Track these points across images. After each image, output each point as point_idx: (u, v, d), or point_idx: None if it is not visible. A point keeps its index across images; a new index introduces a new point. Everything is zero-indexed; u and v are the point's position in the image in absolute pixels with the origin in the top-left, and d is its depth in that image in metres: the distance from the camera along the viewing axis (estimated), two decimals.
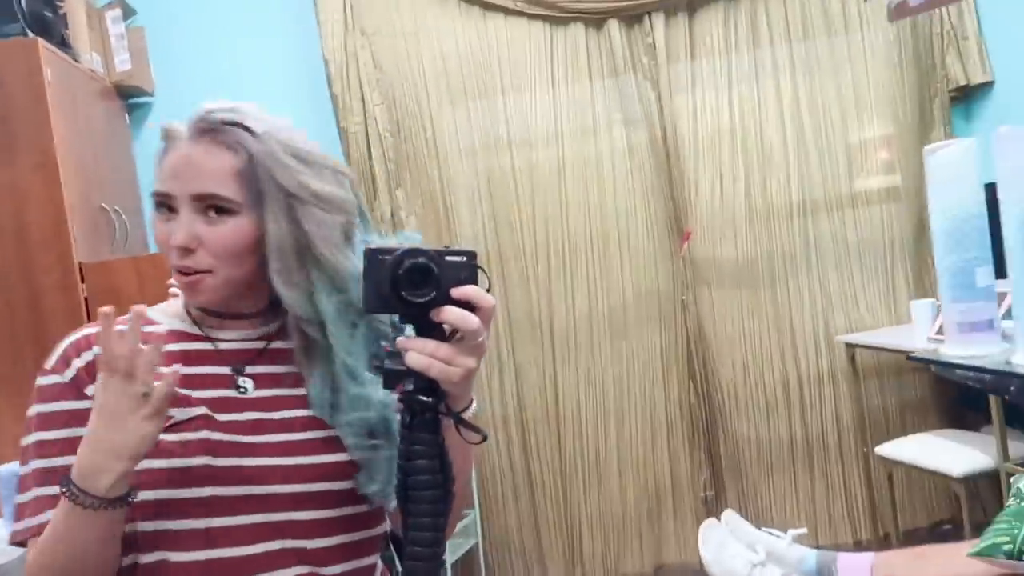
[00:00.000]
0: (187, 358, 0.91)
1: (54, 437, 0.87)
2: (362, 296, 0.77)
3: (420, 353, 0.75)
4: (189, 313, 0.95)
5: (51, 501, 0.83)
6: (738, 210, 2.99)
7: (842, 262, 3.02)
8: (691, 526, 3.00)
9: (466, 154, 3.01)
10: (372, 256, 0.76)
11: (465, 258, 0.77)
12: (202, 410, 0.87)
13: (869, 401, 2.98)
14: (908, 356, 1.09)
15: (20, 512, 0.87)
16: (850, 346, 2.91)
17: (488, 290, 0.77)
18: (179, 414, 0.86)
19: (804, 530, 2.00)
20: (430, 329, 0.76)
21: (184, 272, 0.87)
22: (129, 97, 2.86)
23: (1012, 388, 0.88)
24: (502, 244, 3.01)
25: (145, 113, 2.95)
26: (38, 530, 0.84)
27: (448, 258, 0.76)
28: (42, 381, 0.90)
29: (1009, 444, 2.22)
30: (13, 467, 1.98)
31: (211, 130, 0.86)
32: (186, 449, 0.85)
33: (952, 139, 2.97)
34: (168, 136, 0.88)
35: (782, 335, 3.01)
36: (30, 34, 2.23)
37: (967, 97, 3.05)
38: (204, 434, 0.86)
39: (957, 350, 0.80)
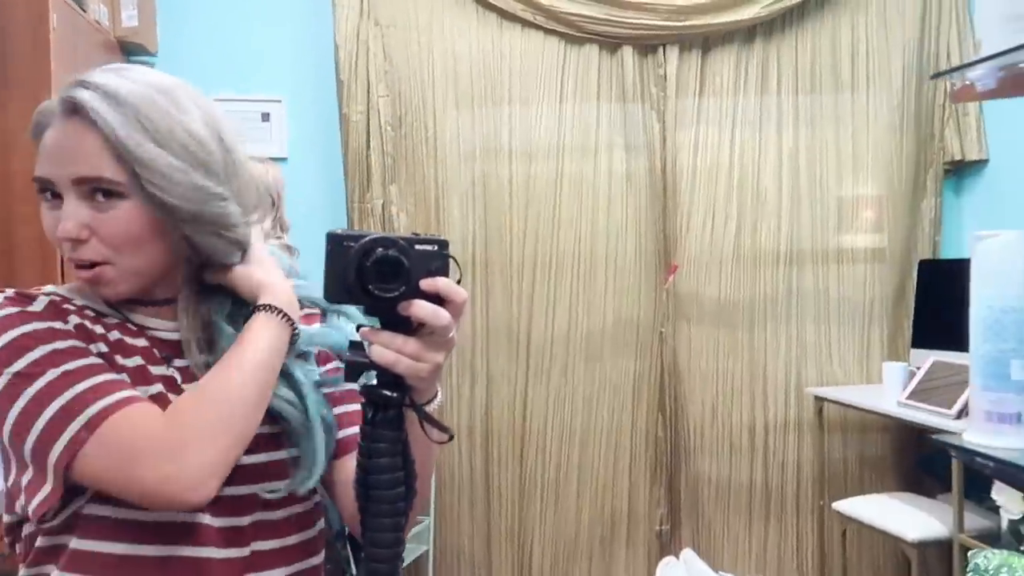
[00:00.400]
0: (115, 328, 0.84)
1: (60, 347, 0.76)
2: (323, 285, 0.71)
3: (386, 348, 0.70)
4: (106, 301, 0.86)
5: (111, 385, 0.75)
6: (726, 250, 3.01)
7: (821, 315, 3.05)
8: (642, 557, 3.00)
9: (465, 158, 2.99)
10: (336, 241, 0.70)
11: (436, 247, 0.71)
12: (159, 388, 0.81)
13: (831, 455, 3.01)
14: (934, 437, 1.08)
15: (88, 398, 0.74)
16: (819, 399, 2.94)
17: (459, 282, 0.72)
18: (141, 391, 0.79)
19: None
20: (396, 322, 0.71)
21: (80, 265, 0.79)
22: (131, 54, 2.79)
23: None
24: (490, 252, 2.99)
25: None
26: (115, 407, 0.73)
27: (418, 247, 0.71)
28: (7, 311, 0.78)
29: (966, 516, 2.25)
30: None
31: (75, 110, 0.76)
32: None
33: (939, 206, 3.03)
34: (44, 116, 0.79)
35: (754, 379, 3.03)
36: None
37: (959, 171, 3.11)
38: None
39: (982, 438, 0.80)
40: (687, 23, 2.92)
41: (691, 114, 3.01)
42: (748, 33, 3.01)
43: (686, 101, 3.00)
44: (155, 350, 0.85)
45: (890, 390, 2.66)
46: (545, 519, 3.00)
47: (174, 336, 0.86)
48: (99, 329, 0.82)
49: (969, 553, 1.74)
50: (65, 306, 0.82)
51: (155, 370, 0.83)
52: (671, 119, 2.98)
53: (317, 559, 0.92)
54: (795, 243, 3.03)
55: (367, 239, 0.70)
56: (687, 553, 2.03)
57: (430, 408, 0.76)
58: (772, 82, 3.03)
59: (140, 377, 0.81)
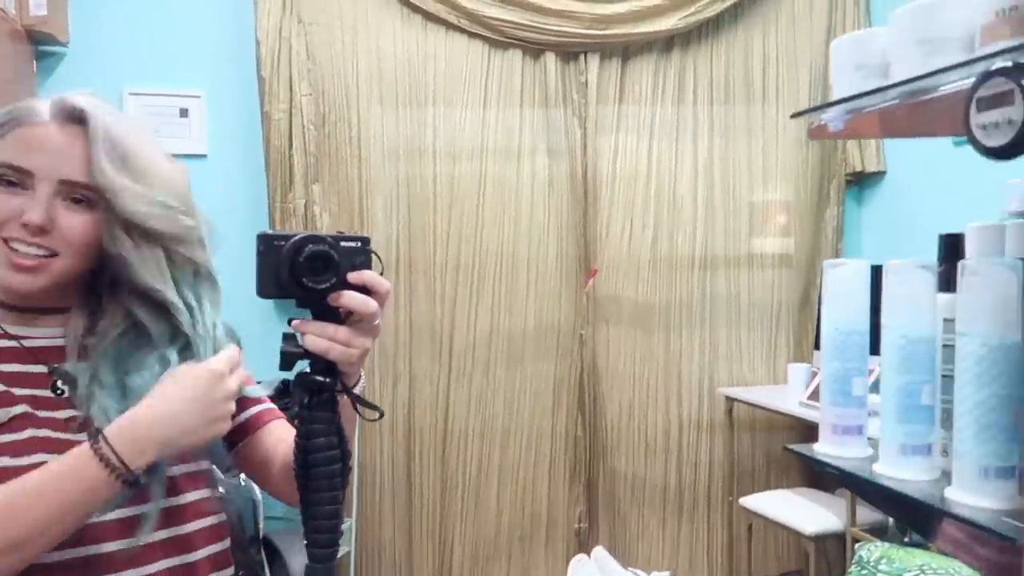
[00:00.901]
0: (3, 356, 0.86)
1: None
2: (256, 282, 0.77)
3: (319, 336, 0.77)
4: None
5: None
6: (644, 255, 3.11)
7: (732, 318, 3.19)
8: (561, 555, 3.07)
9: (389, 157, 2.99)
10: (267, 241, 0.77)
11: (360, 243, 0.79)
12: (23, 408, 0.83)
13: (740, 453, 3.15)
14: (784, 448, 1.19)
15: None
16: (729, 399, 3.07)
17: (381, 274, 0.79)
18: (1, 414, 0.82)
19: (667, 573, 2.11)
20: (326, 312, 0.78)
21: (25, 253, 0.83)
22: (40, 44, 2.69)
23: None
24: (413, 253, 3.00)
25: (55, 63, 2.77)
26: None
27: (343, 244, 0.78)
28: None
29: (858, 510, 2.40)
30: None
31: (77, 119, 0.85)
32: (14, 448, 0.81)
33: (842, 215, 3.20)
34: (24, 112, 0.85)
35: (669, 381, 3.14)
36: None
37: (860, 182, 3.29)
38: (30, 432, 0.82)
39: (830, 449, 0.90)
40: (608, 32, 3.00)
41: (611, 121, 3.09)
42: (666, 43, 3.11)
43: (606, 108, 3.08)
44: (39, 367, 0.87)
45: (794, 390, 2.80)
46: (466, 518, 3.04)
47: (55, 343, 0.89)
48: None
49: (856, 545, 1.87)
50: None
51: (19, 392, 0.85)
52: (592, 125, 3.05)
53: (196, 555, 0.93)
54: (709, 249, 3.16)
55: (298, 237, 0.76)
56: (598, 551, 2.11)
57: (357, 391, 0.83)
58: (688, 92, 3.13)
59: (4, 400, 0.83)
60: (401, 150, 3.00)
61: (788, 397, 2.81)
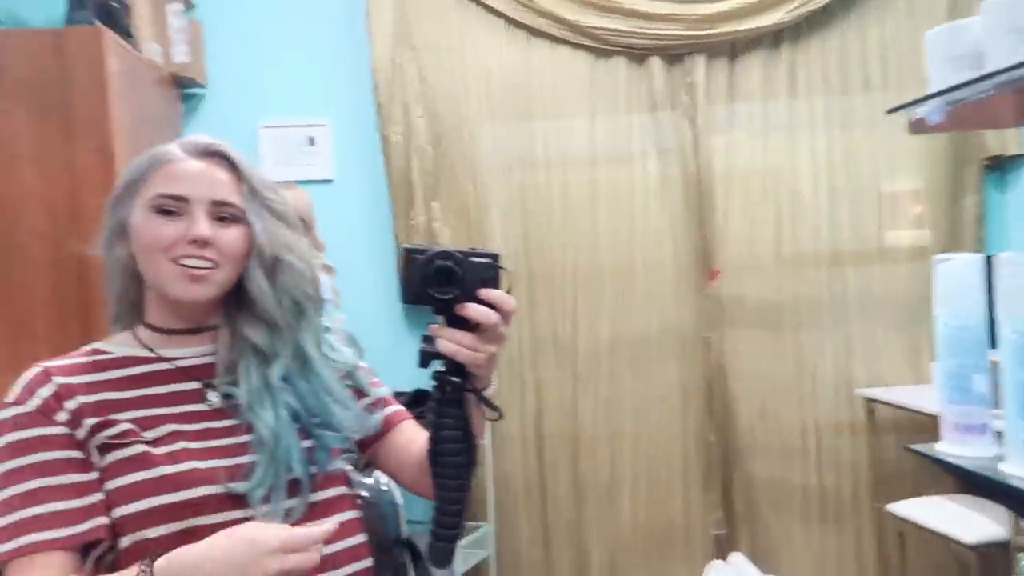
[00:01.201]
0: (151, 379, 0.98)
1: (28, 463, 0.90)
2: (400, 289, 0.88)
3: (449, 341, 0.86)
4: (140, 342, 1.01)
5: (34, 523, 0.87)
6: (766, 253, 3.02)
7: (866, 315, 3.03)
8: (700, 562, 2.97)
9: (502, 171, 3.06)
10: (408, 255, 0.86)
11: (489, 259, 0.87)
12: (171, 427, 0.94)
13: (885, 456, 2.98)
14: (906, 448, 1.13)
15: (7, 533, 0.87)
16: (869, 400, 2.92)
17: (509, 289, 0.88)
18: (152, 434, 0.93)
19: None
20: (457, 320, 0.86)
21: (194, 266, 0.95)
22: (184, 87, 2.93)
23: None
24: (531, 263, 3.04)
25: (197, 104, 3.01)
26: (19, 552, 0.86)
27: (473, 259, 0.86)
28: (6, 414, 0.93)
29: None
30: None
31: (212, 153, 0.99)
32: (170, 459, 0.92)
33: (982, 202, 3.00)
34: (161, 154, 0.98)
35: (802, 381, 3.01)
36: (97, 23, 2.29)
37: (1001, 167, 3.07)
38: (181, 444, 0.93)
39: (951, 448, 0.86)
40: (712, 31, 2.96)
41: (722, 119, 3.03)
42: (775, 38, 3.03)
43: (716, 107, 3.03)
44: (192, 383, 0.99)
45: None
46: (601, 524, 3.02)
47: (206, 360, 1.01)
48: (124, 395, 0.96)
49: (1020, 554, 1.72)
50: (63, 400, 0.93)
51: (172, 411, 0.96)
52: (702, 125, 3.01)
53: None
54: (835, 244, 3.03)
55: (431, 252, 0.86)
56: (736, 557, 2.05)
57: (487, 393, 0.91)
58: (801, 85, 3.04)
59: (156, 422, 0.94)
60: (513, 163, 3.06)
61: (935, 397, 2.64)
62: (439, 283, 0.84)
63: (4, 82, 2.18)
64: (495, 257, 0.87)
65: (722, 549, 2.92)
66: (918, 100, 0.97)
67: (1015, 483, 0.79)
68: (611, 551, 3.02)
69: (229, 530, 0.84)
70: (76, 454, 0.91)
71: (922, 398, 2.70)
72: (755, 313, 3.03)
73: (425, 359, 0.87)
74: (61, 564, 0.87)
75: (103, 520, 0.89)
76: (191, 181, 0.96)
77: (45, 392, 0.93)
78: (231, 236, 0.96)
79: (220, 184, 0.97)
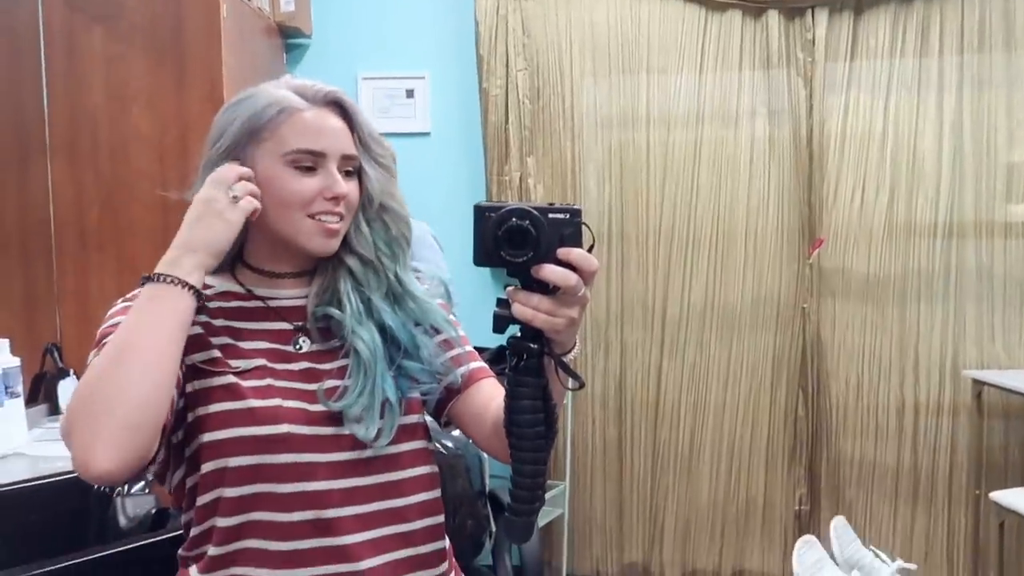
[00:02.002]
0: (245, 314, 0.99)
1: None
2: (473, 250, 0.79)
3: (524, 305, 0.78)
4: (237, 280, 1.02)
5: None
6: (877, 222, 2.86)
7: (983, 293, 2.84)
8: (779, 539, 2.93)
9: (602, 128, 3.00)
10: (479, 213, 0.79)
11: (569, 215, 0.78)
12: (261, 361, 0.95)
13: (990, 442, 2.82)
14: None
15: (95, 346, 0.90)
16: (977, 382, 2.75)
17: (591, 248, 0.79)
18: (240, 364, 0.94)
19: (914, 566, 1.93)
20: (533, 283, 0.78)
21: (331, 221, 0.96)
22: (289, 37, 2.98)
23: None
24: (626, 224, 2.99)
25: (301, 54, 3.07)
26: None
27: (552, 215, 0.77)
28: (120, 302, 0.97)
29: None
30: None
31: (333, 101, 0.98)
32: (257, 393, 0.93)
33: None
34: (288, 101, 0.96)
35: (904, 358, 2.87)
36: None
37: None
38: (269, 381, 0.94)
39: None
40: None
41: (841, 78, 2.86)
42: None
43: (836, 65, 2.85)
44: (282, 323, 1.00)
45: None
46: (677, 494, 3.00)
47: (297, 303, 1.01)
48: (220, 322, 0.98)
49: None
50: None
51: (261, 346, 0.97)
52: (819, 84, 2.84)
53: (432, 520, 1.01)
54: (956, 214, 2.83)
55: (504, 210, 0.78)
56: (838, 520, 1.99)
57: (568, 358, 0.84)
58: (934, 42, 2.81)
59: (244, 354, 0.96)
60: (614, 120, 2.99)
61: None
62: (512, 244, 0.77)
63: (120, 27, 2.27)
64: (576, 213, 0.78)
65: (803, 527, 2.85)
66: None
67: None
68: (686, 522, 3.00)
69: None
70: None
71: None
72: (859, 285, 2.89)
73: (500, 324, 0.80)
74: None
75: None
76: (325, 136, 0.95)
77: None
78: (353, 188, 0.98)
79: (345, 138, 0.97)
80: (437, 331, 1.02)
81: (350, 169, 0.98)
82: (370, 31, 3.05)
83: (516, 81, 2.95)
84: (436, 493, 1.01)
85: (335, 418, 0.94)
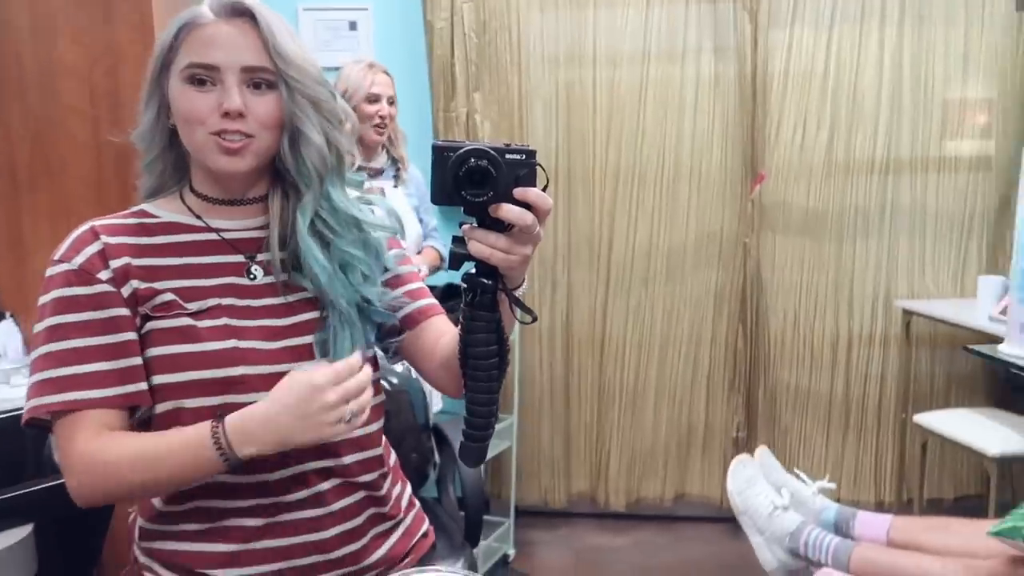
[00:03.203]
0: (196, 248, 0.98)
1: (71, 320, 0.92)
2: (430, 189, 0.82)
3: (481, 243, 0.81)
4: (188, 208, 1.00)
5: (71, 382, 0.90)
6: (817, 158, 2.92)
7: (916, 226, 2.94)
8: (717, 463, 3.06)
9: (548, 64, 2.97)
10: (438, 152, 0.80)
11: (524, 156, 0.80)
12: (215, 300, 0.96)
13: (917, 369, 2.96)
14: (965, 347, 1.11)
15: (37, 391, 0.91)
16: (907, 312, 2.87)
17: (545, 188, 0.81)
18: (196, 306, 0.94)
19: (832, 484, 2.05)
20: (490, 221, 0.81)
21: (230, 139, 0.93)
22: None
23: None
24: (572, 162, 3.00)
25: None
26: (66, 406, 0.90)
27: (508, 156, 0.80)
28: (53, 271, 0.94)
29: None
30: None
31: (241, 12, 0.94)
32: (213, 334, 0.93)
33: None
34: (192, 16, 0.93)
35: (840, 291, 2.97)
36: None
37: None
38: (224, 320, 0.95)
39: (1015, 350, 0.83)
40: None
41: (786, 13, 2.86)
42: None
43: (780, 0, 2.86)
44: (237, 256, 1.00)
45: (984, 304, 2.57)
46: (622, 425, 3.10)
47: (252, 235, 1.00)
48: (164, 260, 0.97)
49: None
50: (109, 259, 0.94)
51: (215, 282, 0.98)
52: (764, 19, 2.85)
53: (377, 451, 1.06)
54: (893, 151, 2.90)
55: (463, 150, 0.79)
56: (762, 451, 2.08)
57: (518, 293, 0.88)
58: None
59: (199, 294, 0.96)
60: (561, 56, 2.96)
61: (977, 313, 2.59)
62: (472, 184, 0.79)
63: None
64: (531, 154, 0.81)
65: (739, 451, 2.98)
66: None
67: None
68: (631, 452, 3.11)
69: (285, 381, 0.87)
70: (119, 311, 0.93)
71: (963, 312, 2.64)
72: (799, 221, 2.96)
73: (456, 261, 0.83)
74: (106, 422, 0.91)
75: (143, 385, 0.93)
76: (221, 47, 0.92)
77: (91, 250, 0.94)
78: (264, 103, 0.94)
79: (250, 49, 0.93)
80: (386, 268, 1.05)
81: (259, 82, 0.94)
82: None
83: (462, 14, 2.89)
84: (379, 424, 1.06)
85: (293, 352, 0.96)
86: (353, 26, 2.98)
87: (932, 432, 2.59)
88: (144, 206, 1.00)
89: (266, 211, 1.01)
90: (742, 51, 2.88)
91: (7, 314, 2.24)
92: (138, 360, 0.93)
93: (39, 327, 0.93)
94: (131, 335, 0.93)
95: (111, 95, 2.21)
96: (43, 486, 1.21)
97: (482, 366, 0.86)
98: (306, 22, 2.95)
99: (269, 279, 0.99)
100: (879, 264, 2.96)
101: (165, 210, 1.00)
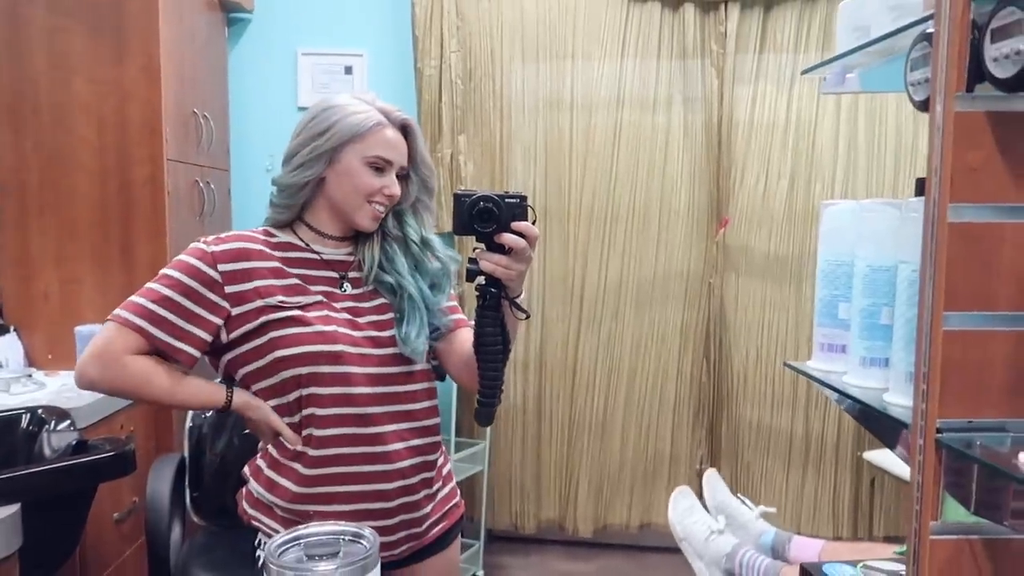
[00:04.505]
0: (302, 263, 1.33)
1: (177, 278, 1.26)
2: (452, 224, 1.17)
3: (488, 262, 1.16)
4: (297, 234, 1.36)
5: (144, 312, 1.24)
6: (778, 205, 3.09)
7: None
8: None
9: (529, 111, 3.17)
10: (457, 198, 1.16)
11: (519, 200, 1.16)
12: (319, 297, 1.30)
13: None
14: (785, 364, 1.30)
15: (124, 305, 1.26)
16: None
17: (534, 221, 1.17)
18: (305, 299, 1.28)
19: (773, 509, 2.18)
20: (494, 246, 1.16)
21: (380, 209, 1.32)
22: (230, 11, 3.09)
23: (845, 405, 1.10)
24: (549, 203, 3.18)
25: (242, 29, 3.18)
26: (125, 323, 1.24)
27: (507, 200, 1.15)
28: (197, 245, 1.29)
29: None
30: (93, 328, 2.29)
31: (406, 126, 1.34)
32: (318, 320, 1.27)
33: None
34: (379, 120, 1.31)
35: (800, 331, 3.12)
36: None
37: None
38: (324, 312, 1.28)
39: (819, 364, 1.01)
40: None
41: (750, 70, 3.07)
42: None
43: (746, 57, 3.06)
44: (331, 272, 1.35)
45: None
46: (591, 453, 3.23)
47: (342, 258, 1.37)
48: (290, 267, 1.34)
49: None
50: (234, 261, 1.30)
51: (315, 288, 1.33)
52: (729, 75, 3.05)
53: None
54: (849, 199, 3.06)
55: (474, 197, 1.15)
56: (711, 473, 2.21)
57: (519, 299, 1.22)
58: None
59: (302, 290, 1.31)
60: (540, 103, 3.16)
61: None
62: (481, 220, 1.14)
63: (63, 2, 2.38)
64: (524, 198, 1.16)
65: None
66: (821, 63, 1.11)
67: (852, 391, 0.94)
68: (599, 479, 3.23)
69: (267, 409, 1.30)
70: (213, 296, 1.26)
71: None
72: (760, 263, 3.12)
73: (471, 275, 1.17)
74: (140, 350, 1.25)
75: (184, 346, 1.25)
76: (395, 150, 1.31)
77: (228, 247, 1.28)
78: (400, 189, 1.34)
79: (405, 155, 1.33)
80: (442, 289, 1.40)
81: (398, 175, 1.33)
82: (310, 8, 3.17)
83: (450, 62, 3.10)
84: (435, 401, 1.38)
85: (375, 341, 1.30)
86: (348, 70, 3.19)
87: (879, 468, 2.71)
88: (268, 227, 1.37)
89: (352, 243, 1.37)
90: (710, 103, 3.08)
91: (11, 328, 2.41)
92: (198, 331, 1.25)
93: (162, 270, 1.28)
94: (206, 313, 1.25)
95: (118, 129, 2.40)
96: (33, 470, 1.36)
97: (490, 352, 1.20)
98: (304, 65, 3.17)
99: (356, 291, 1.34)
100: None
101: (281, 233, 1.36)
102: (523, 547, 3.27)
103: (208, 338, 1.26)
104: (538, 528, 3.29)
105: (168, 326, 1.24)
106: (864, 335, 0.93)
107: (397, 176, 1.32)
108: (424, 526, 1.34)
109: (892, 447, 1.05)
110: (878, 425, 1.00)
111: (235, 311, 1.26)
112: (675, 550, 3.16)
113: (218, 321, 1.25)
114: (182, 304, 1.24)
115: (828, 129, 3.06)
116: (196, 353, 1.26)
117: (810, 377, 1.03)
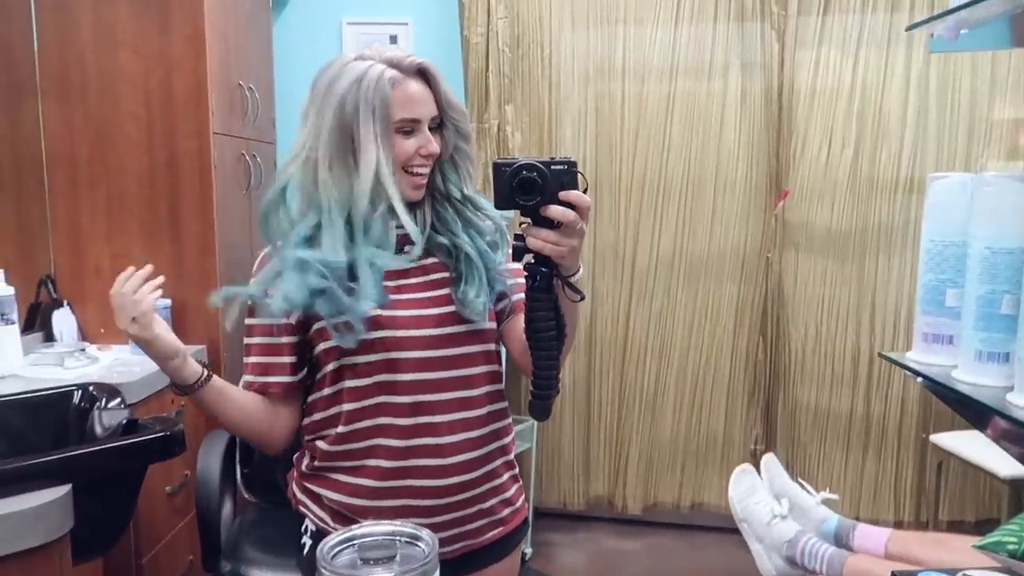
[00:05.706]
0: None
1: (254, 321, 1.23)
2: (494, 197, 1.02)
3: (535, 238, 1.00)
4: None
5: (257, 367, 1.22)
6: (842, 176, 2.95)
7: None
8: None
9: (579, 78, 3.07)
10: (497, 168, 1.00)
11: (567, 166, 0.99)
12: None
13: None
14: (880, 354, 1.19)
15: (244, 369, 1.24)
16: None
17: (585, 190, 1.00)
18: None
19: (836, 496, 2.09)
20: (542, 220, 0.99)
21: (420, 173, 1.17)
22: None
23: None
24: (600, 174, 3.08)
25: (286, 1, 3.13)
26: (249, 385, 1.22)
27: (553, 167, 0.98)
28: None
29: None
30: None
31: (424, 71, 1.17)
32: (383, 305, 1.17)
33: None
34: (394, 76, 1.14)
35: (861, 310, 2.99)
36: None
37: None
38: (390, 296, 1.17)
39: (920, 356, 0.91)
40: None
41: (813, 33, 2.91)
42: None
43: (808, 19, 2.91)
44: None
45: None
46: (641, 431, 3.17)
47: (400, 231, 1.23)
48: None
49: None
50: None
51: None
52: (791, 39, 2.90)
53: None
54: (917, 170, 2.92)
55: (516, 165, 0.99)
56: (769, 457, 2.13)
57: (575, 279, 1.05)
58: None
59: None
60: (591, 71, 3.06)
61: None
62: (524, 191, 0.98)
63: None
64: (573, 164, 0.99)
65: (758, 464, 3.01)
66: (933, 17, 0.98)
67: (962, 388, 0.85)
68: (648, 458, 3.17)
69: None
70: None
71: None
72: (821, 238, 2.99)
73: (517, 253, 1.02)
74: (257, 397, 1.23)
75: (270, 379, 1.21)
76: (421, 104, 1.15)
77: None
78: (438, 142, 1.18)
79: (432, 103, 1.17)
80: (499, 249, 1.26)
81: (432, 126, 1.17)
82: None
83: (497, 29, 3.01)
84: (500, 386, 1.25)
85: (435, 301, 1.19)
86: (394, 39, 3.12)
87: (948, 452, 2.60)
88: None
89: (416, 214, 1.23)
90: (769, 68, 2.93)
91: (64, 302, 2.42)
92: (283, 359, 1.20)
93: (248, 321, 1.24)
94: (287, 339, 1.20)
95: (165, 101, 2.38)
96: (84, 450, 1.35)
97: (543, 338, 1.04)
98: (349, 35, 3.11)
99: (419, 257, 1.20)
100: (901, 282, 2.97)
101: None
102: (571, 524, 3.24)
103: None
104: (587, 505, 3.25)
105: (272, 368, 1.23)
106: (980, 326, 0.84)
107: (429, 129, 1.17)
108: (477, 524, 1.24)
109: (1019, 456, 0.95)
110: (988, 424, 0.90)
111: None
112: (725, 530, 3.11)
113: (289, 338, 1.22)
114: (260, 343, 1.23)
115: (896, 96, 2.89)
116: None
117: (909, 370, 0.94)
